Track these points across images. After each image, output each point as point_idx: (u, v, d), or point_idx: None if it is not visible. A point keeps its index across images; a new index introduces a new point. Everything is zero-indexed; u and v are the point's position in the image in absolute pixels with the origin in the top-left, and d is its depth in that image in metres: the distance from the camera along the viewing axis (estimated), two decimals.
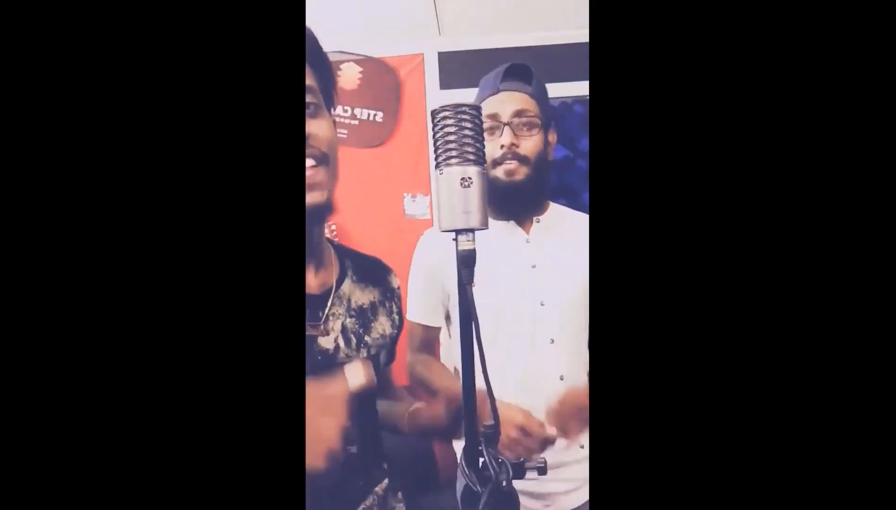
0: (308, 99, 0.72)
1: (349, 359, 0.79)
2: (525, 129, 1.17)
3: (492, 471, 0.63)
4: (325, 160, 0.73)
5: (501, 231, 1.22)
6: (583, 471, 1.15)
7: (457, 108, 0.60)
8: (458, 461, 0.72)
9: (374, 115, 2.38)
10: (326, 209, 0.75)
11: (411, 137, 2.39)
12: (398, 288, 0.93)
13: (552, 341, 1.16)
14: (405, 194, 2.39)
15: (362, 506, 0.80)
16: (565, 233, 1.23)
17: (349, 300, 0.83)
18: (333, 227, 2.29)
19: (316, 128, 0.73)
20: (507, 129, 1.15)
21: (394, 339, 0.89)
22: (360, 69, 2.36)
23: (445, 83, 2.38)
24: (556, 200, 1.31)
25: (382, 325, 0.87)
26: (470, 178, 0.60)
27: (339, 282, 0.83)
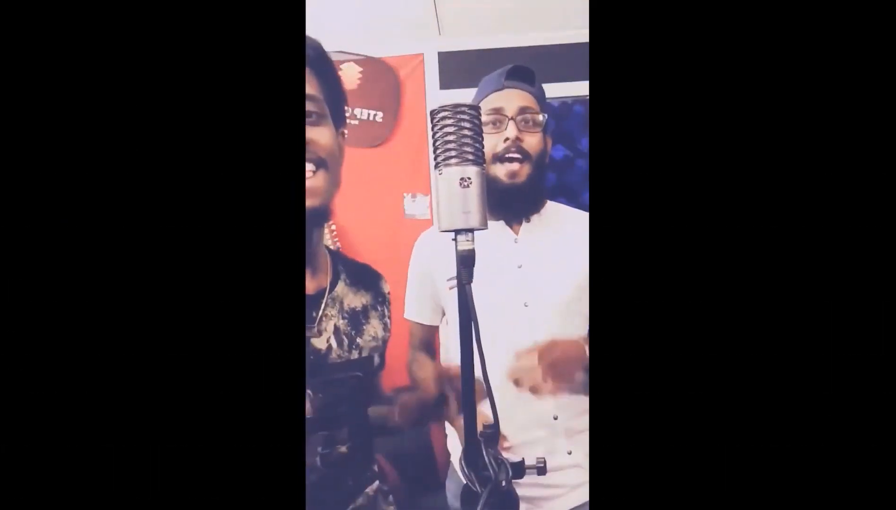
0: (311, 107, 0.73)
1: (341, 359, 0.80)
2: (529, 125, 1.17)
3: (491, 472, 0.63)
4: (323, 165, 0.74)
5: (490, 231, 1.21)
6: (570, 477, 1.14)
7: (456, 109, 0.60)
8: (458, 460, 0.72)
9: (374, 115, 2.38)
10: (322, 214, 0.77)
11: (411, 137, 2.39)
12: (388, 293, 0.94)
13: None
14: (405, 194, 2.39)
15: (351, 506, 0.81)
16: (558, 231, 1.21)
17: (342, 302, 0.84)
18: (334, 227, 2.29)
19: (317, 135, 0.73)
20: (511, 123, 1.15)
21: (384, 343, 0.90)
22: (360, 69, 2.36)
23: (445, 83, 2.38)
24: (555, 199, 1.31)
25: (374, 328, 0.88)
26: (469, 179, 0.60)
27: (333, 284, 0.85)
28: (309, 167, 0.72)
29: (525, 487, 1.05)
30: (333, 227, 2.29)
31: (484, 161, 0.62)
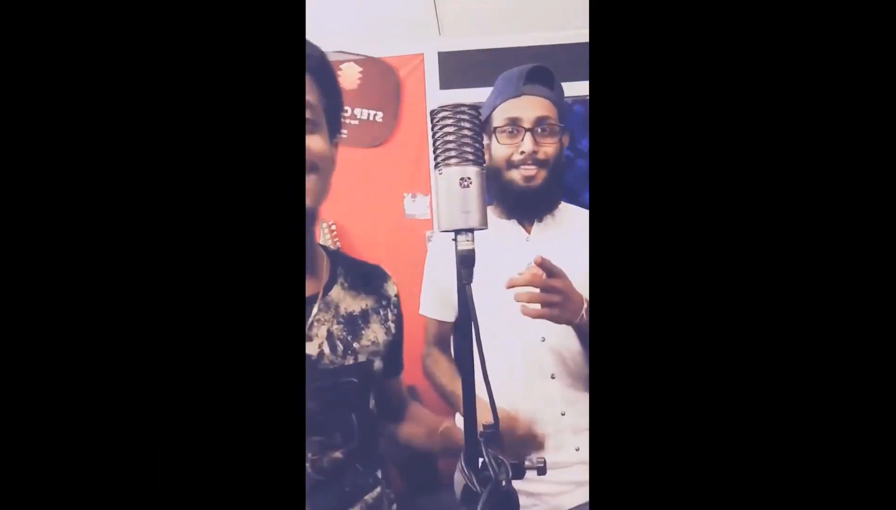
0: (306, 115, 0.74)
1: (334, 365, 0.79)
2: (546, 135, 1.17)
3: (491, 471, 0.63)
4: (314, 169, 0.75)
5: (502, 230, 1.22)
6: (575, 474, 1.14)
7: (455, 109, 0.60)
8: (459, 462, 0.72)
9: (374, 115, 2.38)
10: (310, 217, 0.78)
11: (411, 137, 2.39)
12: (395, 296, 0.92)
13: (543, 340, 1.16)
14: (405, 194, 2.40)
15: None
16: (570, 231, 1.22)
17: (337, 307, 0.83)
18: (334, 227, 2.29)
19: (310, 142, 0.74)
20: (528, 135, 1.15)
21: (389, 347, 0.88)
22: (360, 69, 2.36)
23: (445, 83, 2.38)
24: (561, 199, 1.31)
25: (374, 333, 0.86)
26: (469, 178, 0.60)
27: (328, 289, 0.84)
28: None
29: (532, 483, 1.05)
30: (334, 227, 2.29)
31: (483, 161, 0.62)
